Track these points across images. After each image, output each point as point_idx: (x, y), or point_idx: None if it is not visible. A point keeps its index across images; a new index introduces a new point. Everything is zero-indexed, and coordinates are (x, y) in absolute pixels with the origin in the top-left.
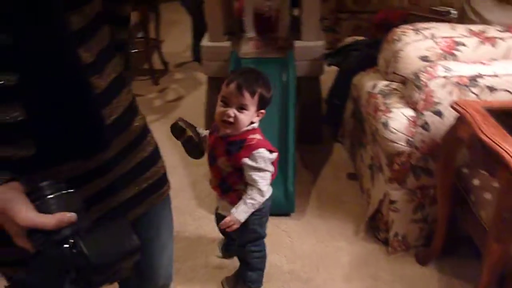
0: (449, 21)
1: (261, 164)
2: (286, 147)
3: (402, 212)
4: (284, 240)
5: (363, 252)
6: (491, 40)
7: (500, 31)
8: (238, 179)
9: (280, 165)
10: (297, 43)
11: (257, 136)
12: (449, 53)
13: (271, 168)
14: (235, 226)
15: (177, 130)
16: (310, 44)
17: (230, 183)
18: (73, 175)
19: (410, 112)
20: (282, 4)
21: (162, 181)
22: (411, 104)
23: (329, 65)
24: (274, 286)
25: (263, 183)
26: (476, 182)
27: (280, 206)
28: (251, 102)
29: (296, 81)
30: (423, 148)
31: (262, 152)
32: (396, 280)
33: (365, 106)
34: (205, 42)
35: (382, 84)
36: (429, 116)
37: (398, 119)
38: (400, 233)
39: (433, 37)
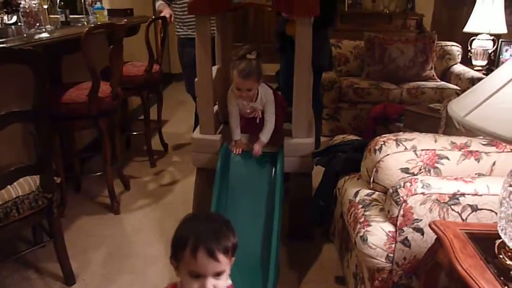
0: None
1: None
2: (269, 244)
3: None
4: None
5: None
6: (475, 154)
7: (483, 144)
8: None
9: (262, 264)
10: (287, 140)
11: None
12: (431, 166)
13: None
14: None
15: None
16: (300, 141)
17: None
18: None
19: (389, 227)
20: (268, 105)
21: None
22: (391, 219)
23: (316, 165)
24: None
25: None
26: None
27: None
28: (226, 262)
29: (283, 176)
30: (404, 265)
31: None
32: None
33: (346, 214)
34: (196, 134)
35: (363, 192)
36: (409, 233)
37: (377, 234)
38: None
39: (414, 149)
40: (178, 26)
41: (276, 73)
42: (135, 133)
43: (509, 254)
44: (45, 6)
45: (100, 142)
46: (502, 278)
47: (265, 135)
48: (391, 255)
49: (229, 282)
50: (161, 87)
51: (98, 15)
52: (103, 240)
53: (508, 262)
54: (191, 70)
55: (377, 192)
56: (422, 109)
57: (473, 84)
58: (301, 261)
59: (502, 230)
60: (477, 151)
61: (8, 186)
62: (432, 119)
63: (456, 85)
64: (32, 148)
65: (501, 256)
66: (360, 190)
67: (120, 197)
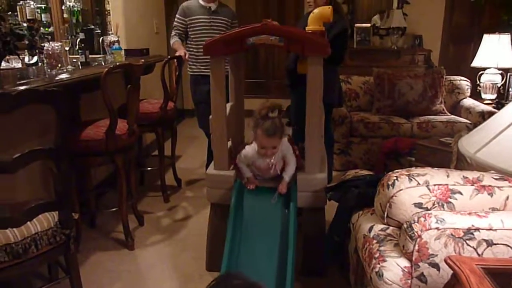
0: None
1: None
2: (284, 280)
3: None
4: None
5: None
6: (488, 189)
7: (495, 179)
8: None
9: None
10: (300, 175)
11: None
12: (445, 201)
13: None
14: None
15: None
16: (313, 176)
17: None
18: None
19: (405, 263)
20: (288, 154)
21: None
22: (406, 254)
23: (329, 199)
24: None
25: None
26: None
27: None
28: None
29: (297, 212)
30: None
31: None
32: None
33: (361, 249)
34: (210, 170)
35: (377, 228)
36: (425, 268)
37: (393, 270)
38: None
39: (427, 184)
40: (191, 63)
41: (287, 109)
42: (149, 168)
43: None
44: (67, 48)
45: (115, 177)
46: None
47: (288, 174)
48: None
49: None
50: (175, 123)
51: (116, 55)
52: (118, 276)
53: None
54: (204, 107)
55: (391, 227)
56: (433, 143)
57: (484, 118)
58: None
59: None
60: (489, 185)
61: (28, 222)
62: (443, 153)
63: (467, 118)
64: (49, 184)
65: None
66: (374, 225)
67: (134, 232)
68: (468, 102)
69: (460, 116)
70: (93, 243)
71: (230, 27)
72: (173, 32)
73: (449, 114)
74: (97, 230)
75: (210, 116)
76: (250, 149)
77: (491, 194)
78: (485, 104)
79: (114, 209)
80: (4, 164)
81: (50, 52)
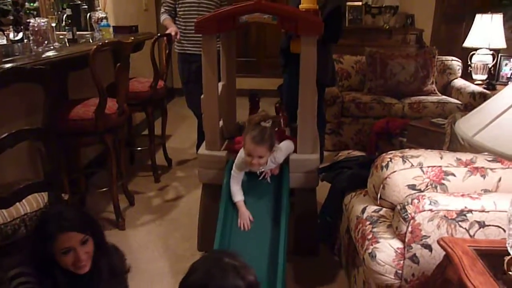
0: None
1: None
2: (276, 260)
3: None
4: None
5: None
6: (481, 171)
7: (489, 160)
8: None
9: (269, 279)
10: (292, 156)
11: None
12: (438, 183)
13: None
14: None
15: None
16: (305, 157)
17: None
18: None
19: (398, 244)
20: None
21: None
22: (399, 236)
23: (322, 180)
24: None
25: None
26: None
27: None
28: None
29: (289, 192)
30: (413, 282)
31: None
32: None
33: (354, 231)
34: (202, 150)
35: (371, 209)
36: (417, 249)
37: (386, 251)
38: None
39: (421, 165)
40: (179, 42)
41: (278, 88)
42: (139, 148)
43: None
44: (53, 24)
45: (105, 157)
46: None
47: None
48: (400, 271)
49: None
50: (165, 102)
51: (104, 32)
52: None
53: None
54: (192, 86)
55: (384, 209)
56: (425, 124)
57: (474, 98)
58: (307, 277)
59: (511, 247)
60: (482, 167)
61: (17, 203)
62: (435, 133)
63: (457, 99)
64: (37, 164)
65: (510, 272)
66: (367, 206)
67: (125, 212)
68: (459, 82)
69: (451, 97)
70: None
71: (219, 5)
72: (162, 9)
73: (440, 95)
74: (88, 210)
75: (202, 96)
76: (241, 155)
77: (483, 176)
78: (475, 84)
79: (104, 189)
80: None
81: (36, 29)
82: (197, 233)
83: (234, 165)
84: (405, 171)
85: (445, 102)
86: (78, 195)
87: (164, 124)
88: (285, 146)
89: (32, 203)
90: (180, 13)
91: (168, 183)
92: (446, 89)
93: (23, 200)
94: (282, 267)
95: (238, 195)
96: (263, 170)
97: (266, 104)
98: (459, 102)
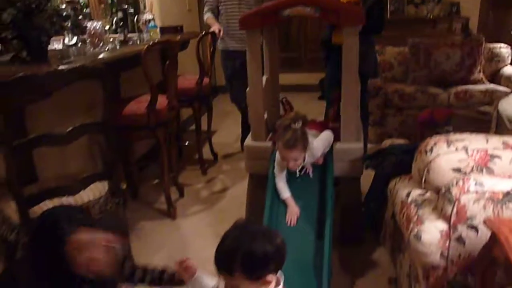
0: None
1: None
2: (322, 250)
3: None
4: None
5: None
6: None
7: None
8: None
9: (315, 267)
10: (336, 145)
11: None
12: (484, 166)
13: None
14: None
15: None
16: (349, 146)
17: None
18: None
19: (443, 225)
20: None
21: None
22: (444, 217)
23: (366, 168)
24: None
25: None
26: None
27: None
28: (240, 279)
29: (335, 181)
30: (459, 263)
31: None
32: None
33: (399, 214)
34: (248, 141)
35: (415, 193)
36: (463, 231)
37: (431, 232)
38: None
39: (465, 149)
40: (222, 39)
41: (320, 82)
42: (187, 143)
43: None
44: (107, 27)
45: (156, 151)
46: None
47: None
48: (446, 253)
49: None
50: (211, 99)
51: (152, 33)
52: (163, 243)
53: None
54: (235, 82)
55: (428, 193)
56: (471, 112)
57: None
58: (353, 264)
59: None
60: None
61: (81, 192)
62: (482, 122)
63: (507, 87)
64: (96, 157)
65: None
66: (412, 190)
67: (176, 203)
68: (509, 70)
69: (500, 85)
70: (137, 214)
71: (260, 2)
72: (205, 8)
73: (488, 83)
74: (139, 201)
75: (247, 89)
76: (278, 156)
77: None
78: None
79: (156, 181)
80: (60, 137)
81: (92, 32)
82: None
83: (275, 164)
84: (449, 154)
85: (493, 90)
86: (131, 187)
87: (210, 119)
88: (323, 139)
89: (94, 191)
90: (222, 11)
91: (215, 176)
92: (495, 77)
93: (87, 189)
94: (328, 254)
95: (285, 192)
96: (303, 166)
97: (307, 99)
98: (509, 90)
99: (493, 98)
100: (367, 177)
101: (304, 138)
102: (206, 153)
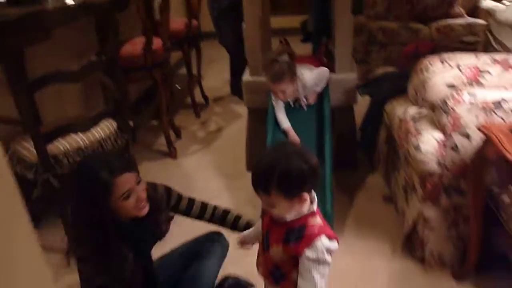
0: (474, 49)
1: (321, 255)
2: (323, 172)
3: (437, 231)
4: None
5: (400, 270)
6: None
7: None
8: (294, 266)
9: (318, 188)
10: (331, 75)
11: (318, 221)
12: (475, 81)
13: (329, 259)
14: None
15: None
16: (344, 76)
17: (285, 271)
18: None
19: (439, 135)
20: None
21: None
22: (440, 127)
23: (362, 95)
24: None
25: (321, 282)
26: (506, 199)
27: None
28: (277, 198)
29: (330, 111)
30: (453, 169)
31: (324, 241)
32: None
33: (397, 131)
34: (246, 76)
35: (412, 110)
36: (457, 139)
37: (429, 142)
38: (436, 250)
39: (458, 66)
40: None
41: (301, 24)
42: (178, 86)
43: None
44: None
45: (149, 95)
46: None
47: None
48: (442, 160)
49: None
50: (199, 41)
51: None
52: (168, 179)
53: None
54: (223, 23)
55: (425, 109)
56: (455, 42)
57: None
58: (350, 186)
59: None
60: None
61: (93, 130)
62: (466, 51)
63: (486, 21)
64: (100, 99)
65: None
66: (408, 108)
67: (174, 144)
68: (487, 3)
69: (479, 19)
70: (138, 155)
71: None
72: None
73: (467, 17)
74: (139, 144)
75: (243, 24)
76: None
77: None
78: (503, 5)
79: (153, 123)
80: (72, 74)
81: None
82: (245, 154)
83: (272, 96)
84: (444, 72)
85: (473, 24)
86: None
87: (199, 62)
88: (315, 73)
89: (104, 129)
90: None
91: (208, 118)
92: (474, 11)
93: (98, 127)
94: (329, 177)
95: (285, 123)
96: (297, 98)
97: (290, 42)
98: (488, 24)
99: (472, 31)
100: (360, 107)
101: (290, 70)
102: (197, 96)
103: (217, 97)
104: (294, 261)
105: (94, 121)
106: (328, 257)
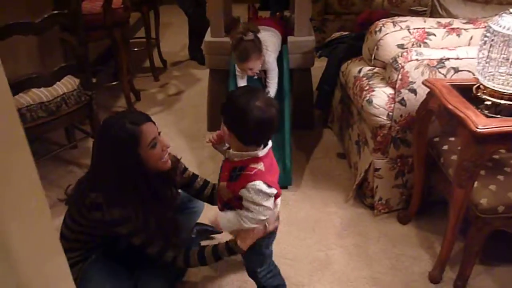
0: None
1: (256, 198)
2: (282, 130)
3: (385, 179)
4: (283, 209)
5: (353, 216)
6: (456, 31)
7: (463, 23)
8: (241, 203)
9: (278, 145)
10: (290, 38)
11: (259, 167)
12: (421, 42)
13: (268, 203)
14: (217, 228)
15: None
16: (302, 39)
17: (233, 206)
18: None
19: (390, 91)
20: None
21: None
22: (391, 84)
23: (319, 56)
24: (276, 243)
25: (258, 216)
26: (445, 147)
27: (279, 180)
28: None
29: (289, 73)
30: (401, 122)
31: (258, 185)
32: (381, 237)
33: (352, 88)
34: (208, 37)
35: (366, 69)
36: (405, 94)
37: (380, 97)
38: (384, 197)
39: (408, 28)
40: None
41: None
42: (136, 49)
43: (483, 91)
44: None
45: (106, 56)
46: (479, 106)
47: (272, 89)
48: (391, 113)
49: None
50: (158, 3)
51: None
52: None
53: (483, 96)
54: None
55: (377, 68)
56: (405, 11)
57: None
58: (306, 144)
59: (479, 72)
60: (458, 28)
61: (55, 86)
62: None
63: None
64: (55, 57)
65: (478, 94)
66: (362, 67)
67: (134, 106)
68: None
69: None
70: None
71: None
72: None
73: None
74: (98, 106)
75: None
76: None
77: (459, 35)
78: None
79: (114, 83)
80: (33, 25)
81: None
82: (207, 115)
83: (236, 71)
84: (395, 33)
85: None
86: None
87: (158, 24)
88: (271, 45)
89: (67, 84)
90: None
91: (167, 81)
92: None
93: (60, 83)
94: (288, 134)
95: (241, 81)
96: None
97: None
98: None
99: (421, 2)
100: (316, 70)
101: (257, 47)
102: (155, 60)
103: (176, 61)
104: (238, 199)
105: (57, 76)
106: (265, 202)
